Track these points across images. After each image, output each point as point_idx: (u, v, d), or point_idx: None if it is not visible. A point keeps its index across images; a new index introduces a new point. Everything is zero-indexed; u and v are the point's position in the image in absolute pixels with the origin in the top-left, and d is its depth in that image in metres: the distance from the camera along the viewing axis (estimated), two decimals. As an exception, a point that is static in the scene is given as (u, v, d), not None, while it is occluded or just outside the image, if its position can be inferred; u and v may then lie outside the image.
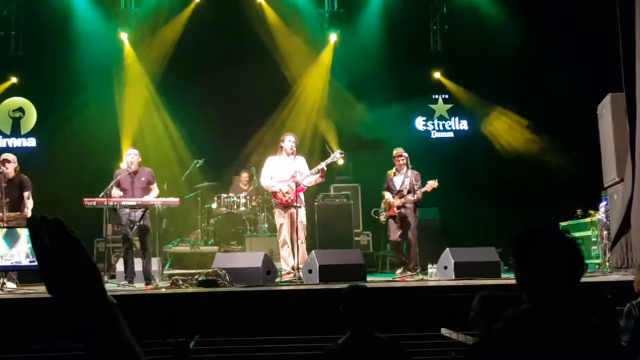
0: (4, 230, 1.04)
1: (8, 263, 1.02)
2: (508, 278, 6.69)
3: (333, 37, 11.59)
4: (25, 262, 1.04)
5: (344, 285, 5.78)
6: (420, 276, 7.20)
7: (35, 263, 1.06)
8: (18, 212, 7.48)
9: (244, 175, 10.47)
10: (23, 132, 11.56)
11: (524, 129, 11.22)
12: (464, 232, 9.42)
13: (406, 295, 5.58)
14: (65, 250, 1.06)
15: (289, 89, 11.64)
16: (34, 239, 1.06)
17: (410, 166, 8.04)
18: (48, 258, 1.05)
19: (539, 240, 1.88)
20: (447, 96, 12.00)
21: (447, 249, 6.92)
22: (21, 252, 1.03)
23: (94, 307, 1.05)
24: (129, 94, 11.20)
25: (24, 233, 1.04)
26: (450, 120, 11.97)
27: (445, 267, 6.82)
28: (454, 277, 6.57)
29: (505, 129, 11.40)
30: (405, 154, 8.10)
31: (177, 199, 7.53)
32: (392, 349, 3.27)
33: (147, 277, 7.33)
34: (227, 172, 11.04)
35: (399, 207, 7.92)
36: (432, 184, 7.87)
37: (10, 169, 7.44)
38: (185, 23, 11.39)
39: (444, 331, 4.81)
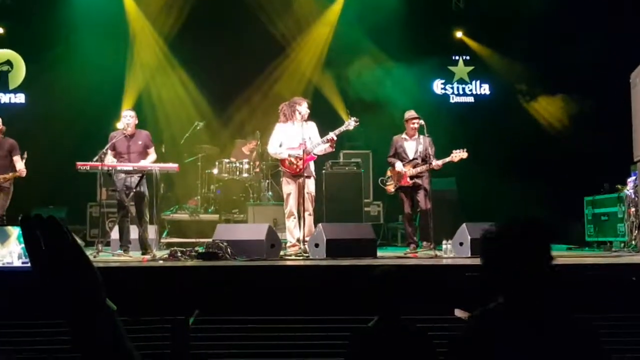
0: None
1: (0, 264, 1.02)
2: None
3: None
4: (17, 263, 1.04)
5: (353, 261, 5.85)
6: (434, 252, 7.20)
7: (29, 265, 1.05)
8: (11, 173, 7.54)
9: (247, 139, 10.45)
10: (11, 87, 11.53)
11: (551, 98, 11.10)
12: (482, 206, 9.40)
13: (419, 273, 5.59)
14: (61, 252, 1.05)
15: (292, 49, 11.56)
16: (27, 239, 1.05)
17: (425, 133, 7.87)
18: (43, 260, 1.04)
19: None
20: (468, 57, 11.86)
21: (464, 225, 6.90)
22: (13, 253, 1.02)
23: (92, 313, 1.05)
24: (126, 50, 11.12)
25: (15, 232, 1.03)
26: (470, 84, 11.86)
27: (461, 244, 6.81)
28: (470, 254, 6.57)
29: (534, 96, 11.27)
30: (420, 119, 7.87)
31: (176, 165, 7.53)
32: (421, 340, 3.30)
33: (144, 247, 7.40)
34: (228, 135, 11.03)
35: (412, 177, 7.71)
36: (460, 154, 7.63)
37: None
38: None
39: (458, 312, 4.83)
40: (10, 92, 11.54)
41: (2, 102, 11.40)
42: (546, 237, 1.97)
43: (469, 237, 6.66)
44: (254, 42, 11.04)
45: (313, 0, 11.54)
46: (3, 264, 0.93)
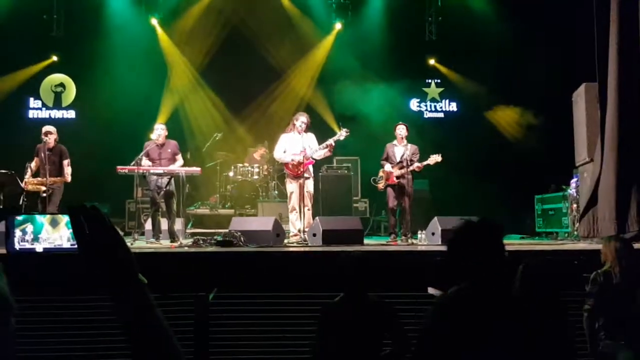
0: (49, 217, 1.03)
1: (51, 246, 1.02)
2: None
3: (338, 26, 11.49)
4: (66, 245, 1.04)
5: (344, 248, 5.82)
6: (411, 241, 7.18)
7: (76, 246, 1.03)
8: (59, 177, 7.49)
9: (257, 147, 10.43)
10: (64, 104, 11.53)
11: (508, 112, 11.10)
12: (451, 202, 9.39)
13: (399, 258, 5.57)
14: (101, 235, 1.04)
15: (291, 72, 11.56)
16: (73, 224, 1.04)
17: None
18: (86, 241, 1.03)
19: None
20: (439, 80, 11.89)
21: (435, 218, 6.89)
22: (63, 236, 1.03)
23: (127, 284, 1.03)
24: (156, 73, 11.11)
25: (64, 219, 1.04)
26: (441, 102, 11.87)
27: (433, 234, 6.80)
28: (440, 243, 6.56)
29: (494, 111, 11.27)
30: (402, 124, 7.93)
31: (198, 169, 7.52)
32: (381, 307, 3.32)
33: (172, 236, 7.38)
34: (241, 144, 11.02)
35: (398, 177, 7.64)
36: (435, 158, 7.58)
37: (51, 139, 7.45)
38: (205, 9, 11.25)
39: (431, 290, 4.81)
40: (63, 109, 11.52)
41: (56, 117, 11.37)
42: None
43: (440, 228, 6.65)
44: (260, 68, 11.11)
45: (312, 31, 11.52)
46: (54, 246, 0.93)
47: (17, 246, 1.19)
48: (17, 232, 1.19)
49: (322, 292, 4.66)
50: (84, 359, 4.33)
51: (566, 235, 8.20)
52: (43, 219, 1.21)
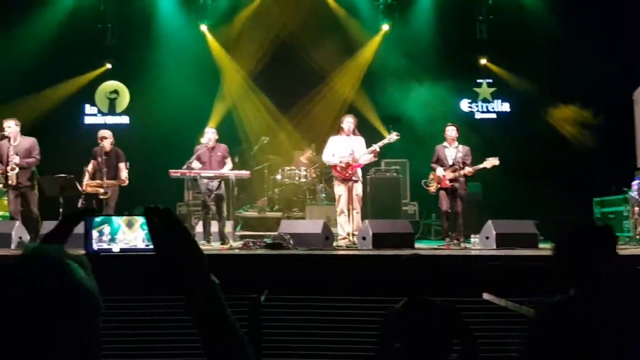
0: (125, 218, 1.08)
1: (127, 246, 1.07)
2: (544, 249, 6.53)
3: (385, 27, 11.45)
4: (141, 245, 1.08)
5: (395, 252, 5.80)
6: (464, 245, 7.07)
7: (151, 246, 1.08)
8: (115, 180, 7.76)
9: (304, 150, 10.50)
10: (118, 111, 11.91)
11: (565, 111, 10.76)
12: (504, 205, 9.19)
13: (452, 262, 5.51)
14: (175, 236, 1.08)
15: (335, 74, 11.58)
16: (149, 226, 1.08)
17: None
18: (161, 242, 1.08)
19: (582, 236, 1.86)
20: (490, 80, 11.65)
21: (490, 221, 6.76)
22: (138, 237, 1.07)
23: (200, 284, 1.07)
24: (206, 78, 11.34)
25: (139, 220, 1.09)
26: (493, 102, 11.64)
27: (487, 238, 6.67)
28: (494, 247, 6.44)
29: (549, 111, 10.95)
30: (453, 125, 7.83)
31: (248, 172, 7.65)
32: (448, 312, 3.21)
33: (222, 238, 7.53)
34: (288, 148, 11.11)
35: (451, 180, 7.51)
36: (492, 161, 7.40)
37: (107, 143, 7.71)
38: (252, 14, 11.42)
39: (486, 296, 4.73)
40: (117, 114, 11.91)
41: (111, 122, 11.75)
42: (614, 236, 1.90)
43: (494, 232, 6.53)
44: (306, 71, 11.14)
45: (358, 33, 11.51)
46: (130, 246, 0.98)
47: (95, 247, 1.26)
48: (95, 233, 1.26)
49: (373, 297, 4.68)
50: (159, 358, 4.46)
51: (627, 239, 7.90)
52: (120, 221, 1.28)
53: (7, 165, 7.20)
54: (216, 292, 1.09)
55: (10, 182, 7.18)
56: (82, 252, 1.06)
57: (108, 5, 11.50)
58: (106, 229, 1.26)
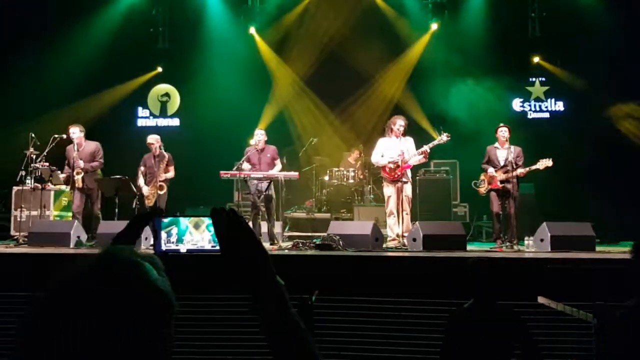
0: (192, 219, 1.11)
1: (194, 247, 1.10)
2: (602, 252, 6.31)
3: (434, 26, 11.30)
4: (207, 246, 1.11)
5: (446, 254, 5.72)
6: (517, 247, 6.90)
7: (217, 247, 1.10)
8: (164, 181, 7.95)
9: (351, 151, 10.47)
10: (169, 113, 12.19)
11: (624, 109, 10.34)
12: (558, 207, 8.92)
13: (506, 265, 5.38)
14: (240, 237, 1.09)
15: (385, 73, 11.50)
16: (215, 227, 1.10)
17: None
18: (227, 244, 1.09)
19: None
20: (543, 79, 11.32)
21: (544, 223, 6.58)
22: (204, 238, 1.10)
23: (266, 287, 1.08)
24: (255, 80, 11.47)
25: (206, 222, 1.12)
26: (546, 101, 11.31)
27: (542, 240, 6.49)
28: (549, 250, 6.26)
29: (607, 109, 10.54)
30: (505, 126, 7.71)
31: (296, 174, 7.70)
32: (512, 316, 3.18)
33: (272, 239, 7.61)
34: (336, 149, 11.11)
35: (502, 181, 7.43)
36: (545, 162, 7.25)
37: (156, 147, 7.92)
38: (299, 16, 11.49)
39: (541, 299, 4.60)
40: (168, 117, 12.19)
41: (162, 125, 12.05)
42: None
43: (549, 234, 6.35)
44: (353, 71, 11.07)
45: (407, 32, 11.40)
46: (197, 247, 1.00)
47: (163, 247, 1.29)
48: (163, 234, 1.29)
49: (423, 299, 4.63)
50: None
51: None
52: (187, 222, 1.30)
53: (74, 169, 7.56)
54: (282, 292, 1.09)
55: (77, 185, 7.52)
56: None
57: (159, 10, 11.79)
58: (174, 230, 1.29)
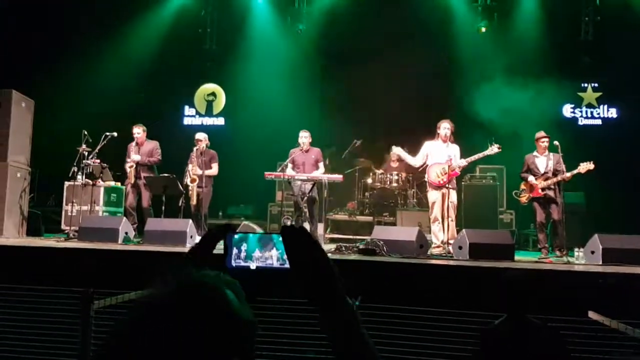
0: (263, 236, 1.11)
1: (263, 264, 1.10)
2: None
3: (483, 29, 11.11)
4: (276, 264, 1.11)
5: (493, 263, 5.60)
6: (566, 258, 6.71)
7: (285, 265, 1.09)
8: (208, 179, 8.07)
9: (393, 153, 10.36)
10: (215, 112, 12.38)
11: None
12: (609, 218, 8.64)
13: (554, 278, 5.24)
14: (312, 255, 1.09)
15: (435, 78, 11.35)
16: (286, 245, 1.09)
17: (559, 152, 7.40)
18: (298, 261, 1.09)
19: None
20: (596, 84, 10.99)
21: (596, 235, 6.35)
22: (273, 256, 1.10)
23: (336, 306, 1.07)
24: (301, 81, 11.50)
25: (274, 238, 1.11)
26: (598, 108, 10.96)
27: (593, 252, 6.28)
28: (601, 263, 6.06)
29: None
30: (549, 137, 7.52)
31: (340, 176, 7.70)
32: (547, 332, 3.09)
33: (317, 241, 7.61)
34: (380, 150, 11.02)
35: (543, 189, 7.30)
36: (587, 165, 7.10)
37: (202, 145, 8.04)
38: (345, 17, 11.45)
39: (592, 315, 4.45)
40: (214, 116, 12.37)
41: (208, 124, 12.23)
42: None
43: (601, 247, 6.13)
44: (396, 73, 10.98)
45: (457, 32, 11.21)
46: (266, 264, 1.00)
47: (233, 263, 1.29)
48: (234, 250, 1.29)
49: (468, 310, 4.54)
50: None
51: None
52: (256, 239, 1.31)
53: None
54: (352, 311, 1.08)
55: (129, 179, 7.96)
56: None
57: (208, 11, 11.97)
58: (244, 246, 1.29)
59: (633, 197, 9.02)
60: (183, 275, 0.96)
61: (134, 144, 8.08)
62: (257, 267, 1.29)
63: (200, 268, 1.02)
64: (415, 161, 7.49)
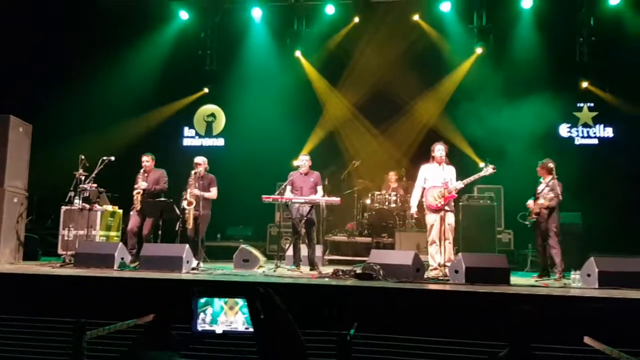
0: (227, 300, 1.10)
1: (229, 328, 1.08)
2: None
3: (479, 50, 11.14)
4: (242, 328, 1.09)
5: (489, 288, 5.54)
6: (563, 281, 6.64)
7: (251, 329, 1.06)
8: (206, 203, 8.02)
9: (393, 174, 10.35)
10: (214, 133, 12.40)
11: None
12: (607, 239, 8.59)
13: (550, 303, 5.18)
14: (275, 320, 1.06)
15: (428, 98, 11.39)
16: (250, 309, 1.07)
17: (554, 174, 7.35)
18: (262, 326, 1.06)
19: None
20: (592, 104, 11.01)
21: (592, 258, 6.28)
22: (239, 320, 1.08)
23: None
24: (300, 103, 11.54)
25: (240, 303, 1.09)
26: (594, 127, 10.96)
27: (589, 275, 6.21)
28: (597, 286, 5.98)
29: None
30: (549, 164, 7.42)
31: (338, 199, 7.66)
32: None
33: (312, 264, 7.60)
34: (379, 172, 11.02)
35: (537, 213, 7.30)
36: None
37: (202, 168, 8.01)
38: (344, 40, 11.53)
39: (588, 340, 4.37)
40: (213, 137, 12.39)
41: (207, 145, 12.25)
42: None
43: (596, 270, 6.06)
44: (395, 95, 11.04)
45: (451, 56, 11.26)
46: (231, 328, 0.98)
47: (199, 327, 1.26)
48: (200, 315, 1.26)
49: (465, 335, 4.48)
50: None
51: None
52: (221, 303, 1.28)
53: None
54: None
55: (135, 206, 7.93)
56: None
57: (208, 33, 12.04)
58: (209, 310, 1.26)
59: (630, 216, 8.95)
60: None
61: (142, 171, 8.09)
62: (223, 331, 1.26)
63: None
64: (419, 191, 7.48)
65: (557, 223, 7.20)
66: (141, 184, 7.94)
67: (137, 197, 7.88)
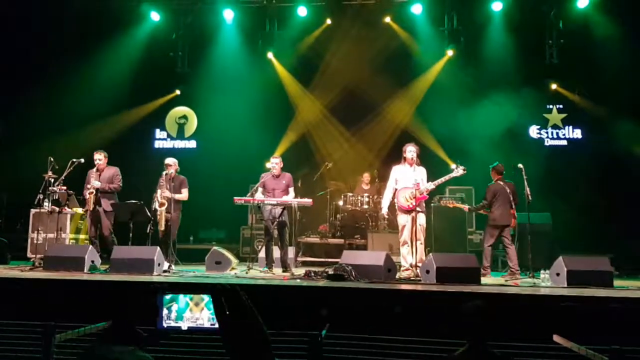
0: (192, 297, 1.10)
1: (194, 325, 1.08)
2: (620, 288, 6.17)
3: (449, 52, 11.29)
4: (207, 324, 1.09)
5: (460, 287, 5.63)
6: (534, 281, 6.79)
7: (216, 326, 1.08)
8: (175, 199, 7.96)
9: (366, 175, 10.44)
10: (186, 135, 12.31)
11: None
12: (575, 239, 8.78)
13: (518, 302, 5.29)
14: (240, 316, 1.07)
15: (399, 100, 11.51)
16: (215, 306, 1.08)
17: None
18: (226, 322, 1.07)
19: None
20: (561, 106, 11.24)
21: (561, 257, 6.43)
22: (204, 316, 1.09)
23: None
24: (271, 105, 11.53)
25: (206, 299, 1.10)
26: (564, 129, 11.20)
27: (558, 274, 6.36)
28: (565, 285, 6.13)
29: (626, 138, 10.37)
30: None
31: (310, 200, 7.67)
32: None
33: (284, 266, 7.61)
34: (351, 173, 11.09)
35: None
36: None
37: (172, 170, 7.97)
38: (317, 42, 11.57)
39: (557, 338, 4.48)
40: (185, 139, 12.29)
41: (179, 147, 12.15)
42: None
43: (565, 269, 6.21)
44: (366, 97, 11.11)
45: (422, 59, 11.38)
46: (197, 325, 0.99)
47: (164, 324, 1.27)
48: (164, 311, 1.27)
49: (434, 337, 4.54)
50: None
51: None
52: (187, 299, 1.29)
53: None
54: None
55: (88, 206, 7.70)
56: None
57: (179, 35, 11.94)
58: (174, 306, 1.27)
59: (598, 216, 9.17)
60: (100, 355, 0.94)
61: (94, 170, 7.93)
62: (188, 327, 1.27)
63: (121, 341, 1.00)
64: (390, 193, 7.55)
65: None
66: (94, 183, 7.76)
67: (90, 197, 7.71)
